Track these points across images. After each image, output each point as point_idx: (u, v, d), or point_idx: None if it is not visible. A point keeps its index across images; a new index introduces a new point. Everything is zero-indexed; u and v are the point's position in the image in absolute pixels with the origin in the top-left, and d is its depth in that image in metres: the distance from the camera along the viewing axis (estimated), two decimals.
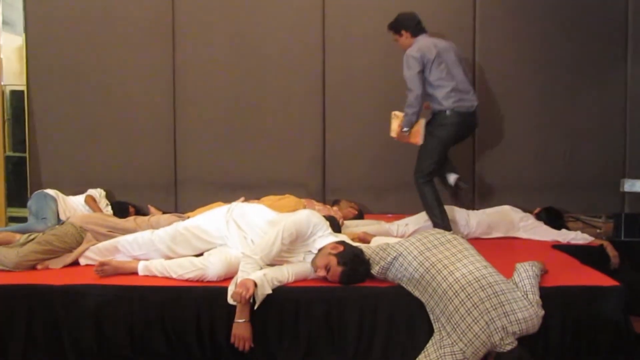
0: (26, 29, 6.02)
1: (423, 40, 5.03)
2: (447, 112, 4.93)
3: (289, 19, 5.94)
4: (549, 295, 3.42)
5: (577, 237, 4.94)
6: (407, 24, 5.11)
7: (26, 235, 4.22)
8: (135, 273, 3.83)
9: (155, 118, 6.01)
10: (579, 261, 4.24)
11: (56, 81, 6.03)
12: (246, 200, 5.39)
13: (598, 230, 5.65)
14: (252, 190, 5.72)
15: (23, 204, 5.82)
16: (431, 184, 5.01)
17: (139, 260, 3.93)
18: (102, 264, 3.81)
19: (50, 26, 6.01)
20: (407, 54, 4.94)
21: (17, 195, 6.18)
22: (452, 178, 5.26)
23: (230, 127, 5.99)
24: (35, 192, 5.57)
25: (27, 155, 6.08)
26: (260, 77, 5.97)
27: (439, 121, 4.98)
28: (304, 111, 5.96)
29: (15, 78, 6.15)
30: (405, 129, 4.98)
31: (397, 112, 5.09)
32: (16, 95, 6.15)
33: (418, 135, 4.99)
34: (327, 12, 5.91)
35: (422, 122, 4.97)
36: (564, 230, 5.09)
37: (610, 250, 4.69)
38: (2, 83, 6.18)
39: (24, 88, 6.05)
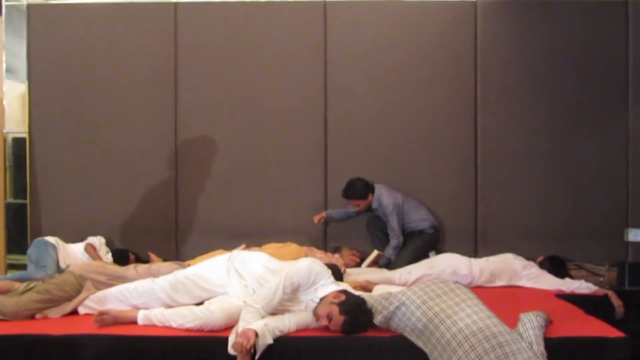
0: (29, 77, 6.08)
1: (383, 191, 5.66)
2: (430, 229, 5.68)
3: (290, 68, 5.99)
4: (554, 347, 3.38)
5: (581, 286, 4.90)
6: (369, 187, 5.66)
7: (25, 283, 4.18)
8: (135, 322, 3.79)
9: (156, 165, 6.01)
10: (583, 311, 4.21)
11: (58, 129, 6.05)
12: (247, 247, 5.37)
13: (601, 279, 5.62)
14: (254, 238, 5.71)
15: (23, 251, 5.80)
16: None
17: (138, 309, 3.89)
18: (101, 313, 3.78)
19: (53, 74, 6.06)
20: (393, 205, 5.56)
21: (17, 243, 6.14)
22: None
23: (231, 175, 5.99)
24: (36, 239, 5.53)
25: (27, 202, 6.07)
26: (262, 125, 6.00)
27: (421, 237, 5.66)
28: (306, 158, 5.98)
29: (17, 125, 6.16)
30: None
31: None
32: (18, 142, 6.15)
33: None
34: (329, 61, 5.96)
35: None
36: (567, 279, 5.04)
37: (615, 300, 4.65)
38: (4, 130, 6.19)
39: (25, 135, 6.08)
